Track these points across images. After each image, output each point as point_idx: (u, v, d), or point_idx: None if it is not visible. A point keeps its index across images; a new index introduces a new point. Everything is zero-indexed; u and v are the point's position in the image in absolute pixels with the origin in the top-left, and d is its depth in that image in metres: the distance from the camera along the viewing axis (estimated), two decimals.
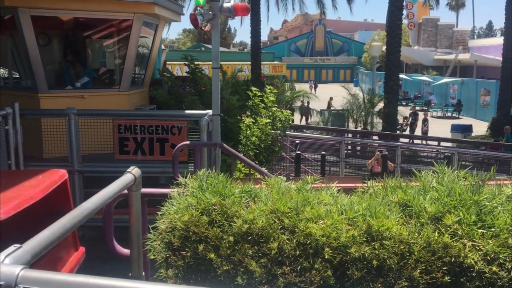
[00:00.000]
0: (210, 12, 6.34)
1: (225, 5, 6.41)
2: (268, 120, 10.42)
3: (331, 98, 25.50)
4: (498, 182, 2.14)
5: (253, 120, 10.03)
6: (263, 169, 6.35)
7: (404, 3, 23.09)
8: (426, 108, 33.37)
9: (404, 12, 34.48)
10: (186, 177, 2.31)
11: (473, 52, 43.06)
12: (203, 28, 6.46)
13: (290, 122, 13.95)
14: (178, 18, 10.43)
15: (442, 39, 51.17)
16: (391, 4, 20.58)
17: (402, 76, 35.14)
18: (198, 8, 6.20)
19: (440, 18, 52.92)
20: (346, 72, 66.86)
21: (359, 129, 21.27)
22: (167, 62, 16.06)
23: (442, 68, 46.73)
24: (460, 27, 54.50)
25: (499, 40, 31.27)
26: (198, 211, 1.98)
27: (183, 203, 2.04)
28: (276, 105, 11.64)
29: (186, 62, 10.19)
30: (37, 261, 1.44)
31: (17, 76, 9.35)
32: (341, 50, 69.88)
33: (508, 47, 22.32)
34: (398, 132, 21.60)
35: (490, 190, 2.04)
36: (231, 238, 1.88)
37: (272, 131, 10.81)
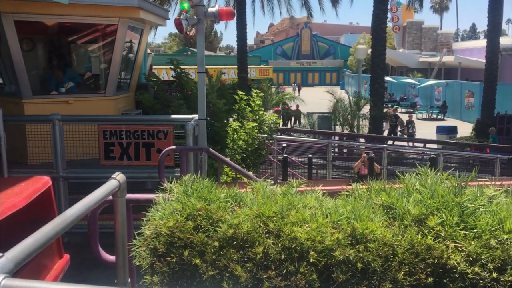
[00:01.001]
0: (195, 17, 6.34)
1: (210, 9, 6.42)
2: (255, 124, 10.43)
3: (336, 101, 25.54)
4: (480, 184, 2.17)
5: (239, 124, 10.03)
6: (250, 173, 6.35)
7: (388, 7, 23.31)
8: (411, 110, 33.59)
9: (389, 15, 34.84)
10: (171, 182, 2.30)
11: (457, 55, 43.56)
12: (188, 33, 6.45)
13: (278, 125, 13.97)
14: (164, 23, 10.40)
15: (427, 42, 51.72)
16: (376, 8, 20.74)
17: (387, 78, 35.46)
18: (183, 13, 6.20)
19: (424, 21, 53.53)
20: (333, 75, 67.24)
21: (345, 131, 21.36)
22: (153, 67, 16.01)
23: (427, 71, 47.22)
24: (444, 30, 55.12)
25: (482, 43, 31.65)
26: (183, 216, 1.98)
27: (168, 209, 2.04)
28: (263, 109, 11.66)
29: (172, 66, 10.15)
30: (20, 269, 1.43)
31: (1, 82, 9.24)
32: (327, 53, 70.28)
33: (491, 49, 22.63)
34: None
35: (472, 191, 2.07)
36: (216, 243, 1.88)
37: (259, 135, 10.82)
